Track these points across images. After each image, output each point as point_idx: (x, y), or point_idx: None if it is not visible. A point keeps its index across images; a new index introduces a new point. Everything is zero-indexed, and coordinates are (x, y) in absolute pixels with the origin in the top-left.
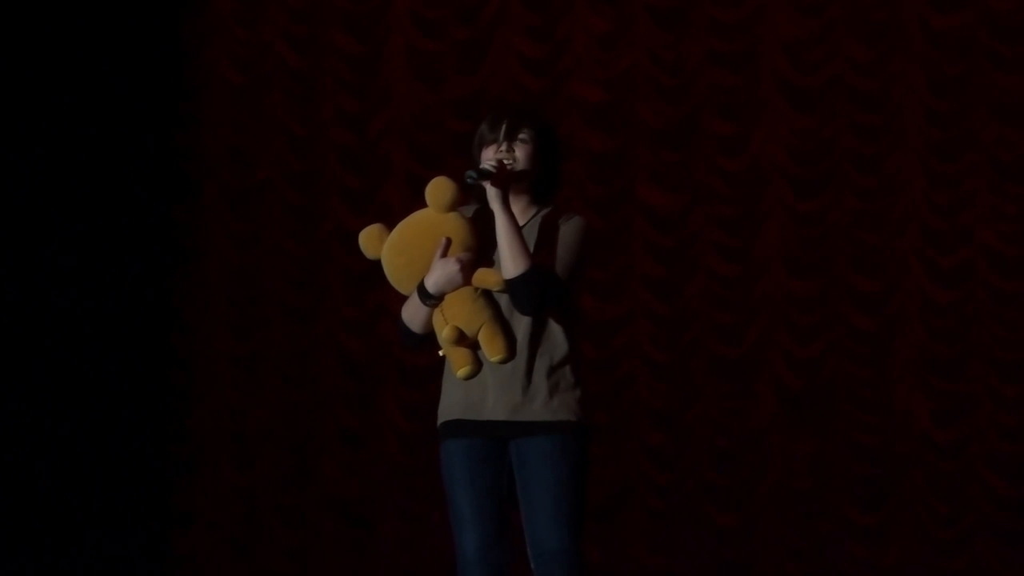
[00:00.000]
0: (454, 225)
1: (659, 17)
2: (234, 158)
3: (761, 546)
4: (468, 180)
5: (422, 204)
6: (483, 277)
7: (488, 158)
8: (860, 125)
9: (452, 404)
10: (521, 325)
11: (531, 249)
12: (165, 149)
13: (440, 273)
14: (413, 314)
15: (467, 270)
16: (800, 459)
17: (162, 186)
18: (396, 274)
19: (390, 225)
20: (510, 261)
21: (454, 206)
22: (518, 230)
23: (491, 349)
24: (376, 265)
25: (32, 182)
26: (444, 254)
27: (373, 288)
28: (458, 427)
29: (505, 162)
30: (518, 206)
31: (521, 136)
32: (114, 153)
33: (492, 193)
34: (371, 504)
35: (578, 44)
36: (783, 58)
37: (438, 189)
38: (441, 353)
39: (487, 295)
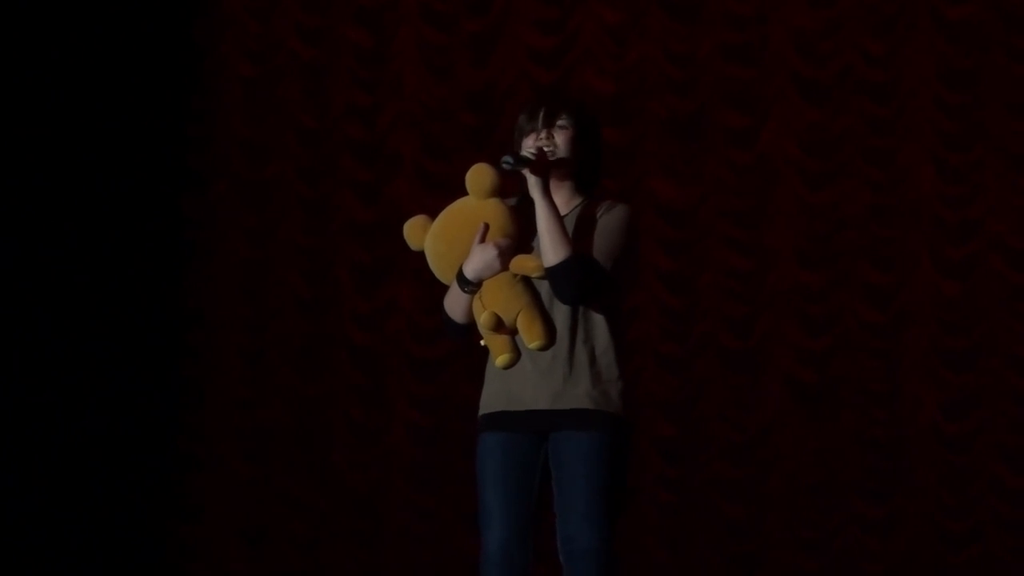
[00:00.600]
0: (493, 211)
1: (670, 9)
2: (245, 151)
3: (770, 539)
4: (505, 166)
5: (432, 197)
6: (522, 263)
7: (528, 147)
8: (871, 117)
9: (493, 395)
10: (561, 313)
11: (573, 237)
12: (177, 142)
13: (478, 259)
14: (454, 301)
15: (505, 256)
16: (809, 452)
17: (174, 179)
18: (438, 262)
19: (433, 215)
20: (550, 249)
21: (494, 192)
22: (558, 217)
23: (529, 335)
24: (386, 259)
25: (45, 176)
26: (482, 240)
27: (383, 282)
28: (497, 420)
29: (545, 149)
30: (561, 195)
31: (560, 122)
32: (126, 146)
33: (532, 181)
34: (381, 497)
35: (588, 36)
36: (794, 51)
37: (477, 175)
38: (482, 343)
39: (526, 281)
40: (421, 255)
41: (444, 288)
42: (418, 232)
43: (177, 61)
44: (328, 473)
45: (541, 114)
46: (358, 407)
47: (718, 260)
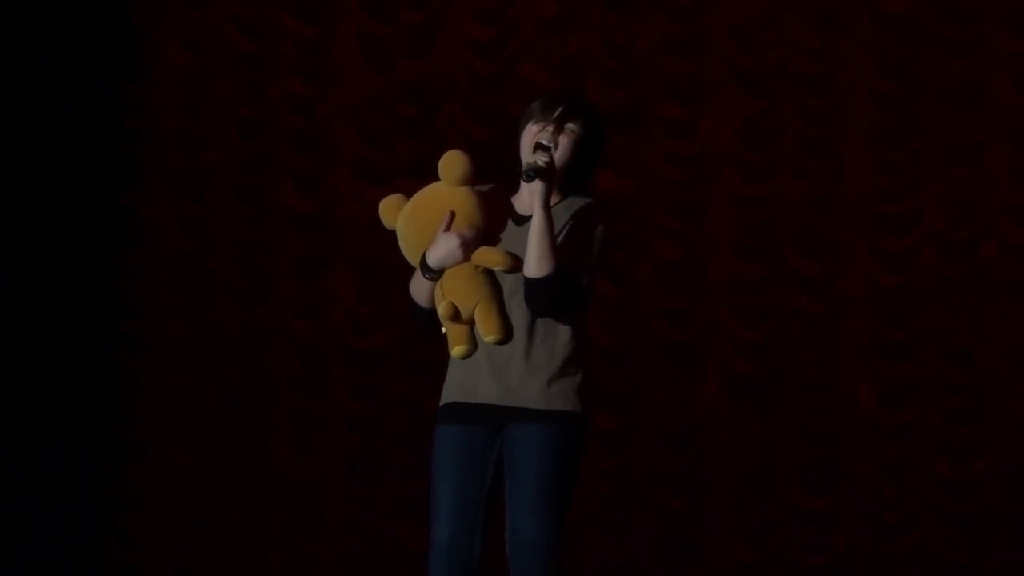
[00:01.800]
0: (462, 200)
1: (608, 1)
2: (182, 141)
3: (710, 529)
4: (526, 177)
5: (372, 187)
6: (484, 255)
7: (531, 134)
8: (809, 109)
9: (451, 386)
10: (522, 309)
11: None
12: (112, 132)
13: (441, 247)
14: (417, 286)
15: (468, 246)
16: (748, 442)
17: (109, 169)
18: (406, 244)
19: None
20: (535, 261)
21: (465, 181)
22: (552, 232)
23: (485, 328)
24: (325, 249)
25: None
26: (448, 228)
27: (322, 272)
28: (453, 411)
29: (542, 145)
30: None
31: (570, 125)
32: (61, 136)
33: (538, 189)
34: (320, 486)
35: (527, 28)
36: (733, 43)
37: (449, 162)
38: (443, 330)
39: (488, 274)
40: (364, 246)
41: (382, 279)
42: (393, 211)
43: (112, 49)
44: (267, 463)
45: (558, 111)
46: (297, 397)
47: (656, 251)
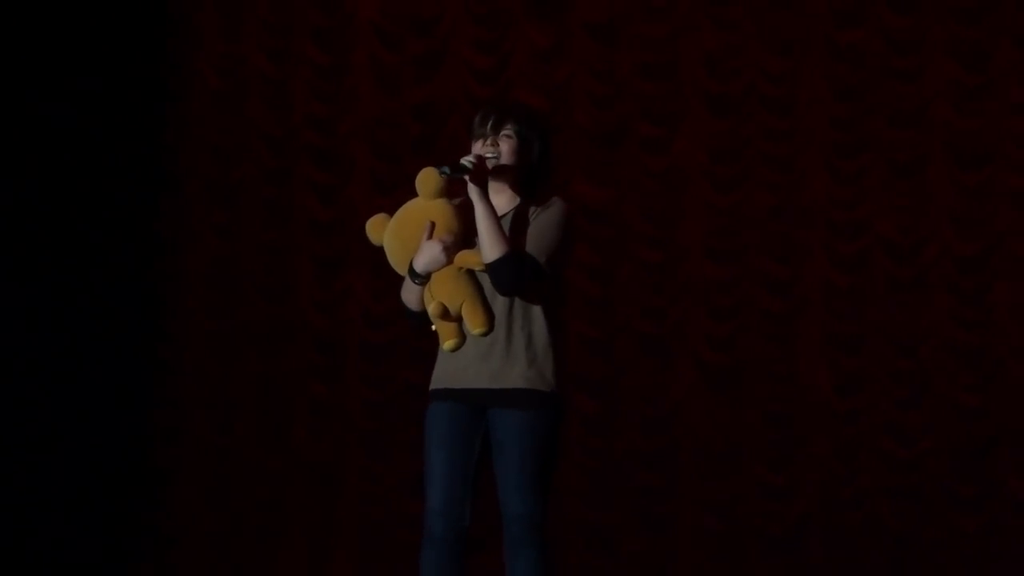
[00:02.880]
0: (439, 210)
1: (593, 33)
2: (215, 156)
3: (682, 502)
4: (442, 174)
5: (384, 198)
6: (465, 258)
7: (476, 150)
8: (771, 128)
9: (440, 374)
10: (501, 301)
11: (510, 235)
12: (153, 148)
13: (426, 254)
14: (408, 292)
15: (450, 251)
16: (717, 425)
17: (150, 181)
18: (393, 256)
19: (391, 213)
20: (488, 246)
21: (440, 194)
22: (495, 218)
23: (472, 322)
24: (342, 252)
25: (32, 178)
26: (429, 236)
27: (339, 273)
28: (444, 394)
29: (488, 155)
30: (503, 197)
31: (505, 131)
32: (108, 151)
33: (470, 187)
34: (337, 464)
35: (521, 57)
36: (703, 69)
37: (425, 178)
38: (433, 328)
39: (469, 274)
40: (376, 249)
41: (394, 279)
42: (378, 229)
43: (155, 75)
44: (289, 442)
45: (490, 122)
46: (317, 385)
47: (635, 254)
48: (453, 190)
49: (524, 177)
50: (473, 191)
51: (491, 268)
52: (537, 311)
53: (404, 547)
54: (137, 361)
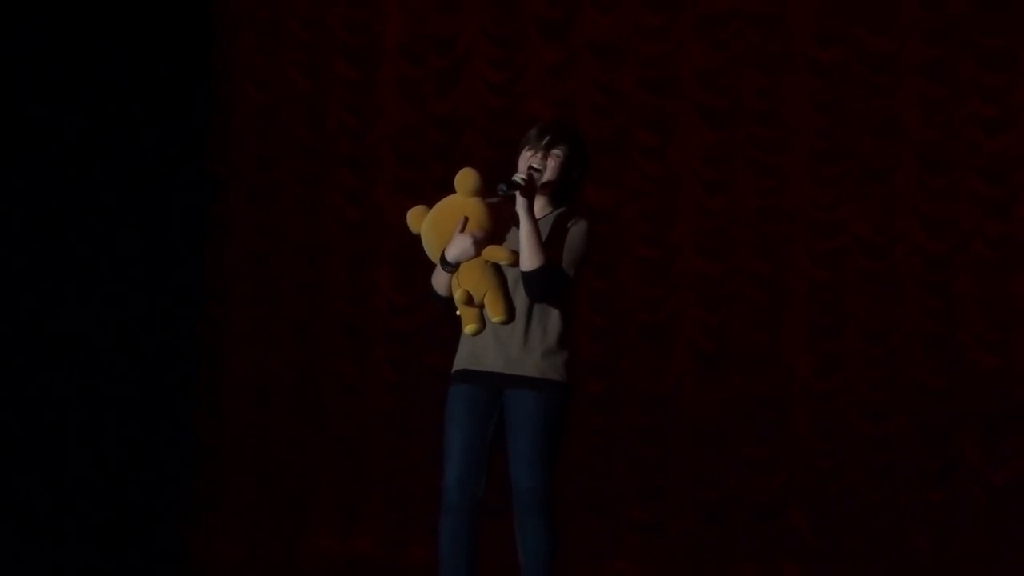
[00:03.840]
0: (474, 208)
1: (598, 51)
2: (256, 162)
3: (676, 473)
4: (500, 191)
5: (408, 199)
6: (493, 252)
7: (525, 158)
8: (758, 138)
9: (462, 356)
10: (522, 296)
11: (545, 241)
12: (201, 154)
13: (457, 246)
14: (438, 278)
15: (479, 245)
16: (708, 405)
17: (199, 184)
18: (428, 245)
19: (430, 205)
20: (527, 258)
21: (476, 192)
22: (538, 233)
23: (493, 311)
24: (370, 249)
25: (95, 181)
26: (462, 230)
27: (368, 268)
28: (464, 376)
29: (534, 168)
30: (539, 203)
31: (556, 151)
32: (160, 156)
33: (520, 202)
34: (364, 440)
35: (532, 72)
36: (696, 84)
37: (463, 177)
38: (457, 312)
39: (495, 267)
40: (400, 246)
41: (415, 274)
42: (417, 219)
43: (200, 89)
44: (322, 419)
45: (547, 139)
46: (347, 367)
47: (634, 251)
48: (488, 189)
49: (560, 191)
50: (521, 205)
51: (527, 276)
52: (554, 309)
53: (425, 516)
54: (187, 346)
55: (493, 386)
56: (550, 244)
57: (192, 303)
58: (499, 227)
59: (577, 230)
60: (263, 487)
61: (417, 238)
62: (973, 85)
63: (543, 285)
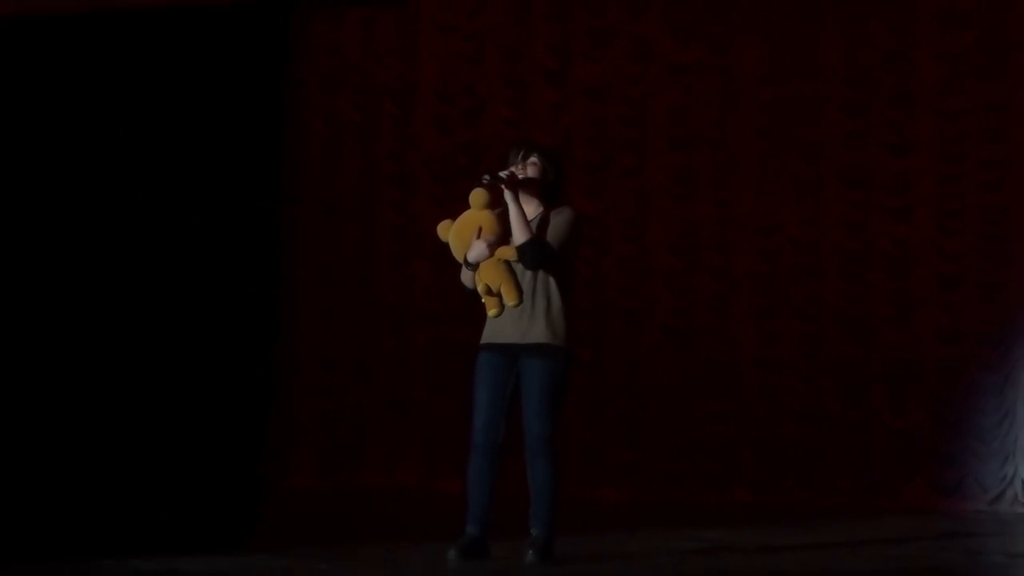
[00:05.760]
0: (486, 219)
1: (588, 94)
2: (320, 180)
3: (652, 425)
4: (484, 180)
5: (440, 210)
6: (502, 252)
7: (506, 170)
8: (714, 160)
9: (487, 332)
10: (527, 281)
11: (536, 232)
12: (277, 173)
13: (475, 249)
14: (464, 275)
15: (493, 247)
16: (675, 371)
17: (274, 197)
18: (454, 250)
19: (453, 220)
20: (517, 233)
21: (486, 206)
22: (522, 213)
23: (508, 297)
24: (411, 247)
25: (192, 195)
26: (478, 237)
27: (408, 262)
28: (488, 347)
29: (516, 172)
30: (531, 205)
31: (531, 160)
32: (244, 177)
33: (506, 193)
34: (409, 397)
35: (537, 111)
36: (664, 119)
37: (475, 196)
38: (482, 300)
39: (506, 263)
40: (434, 247)
41: (446, 269)
42: (444, 230)
43: (276, 122)
44: (372, 383)
45: (520, 153)
46: (393, 341)
47: (615, 249)
48: (495, 202)
49: (545, 191)
50: (507, 195)
51: (519, 249)
52: (553, 287)
53: (455, 455)
54: (267, 326)
55: (510, 354)
56: (541, 231)
57: (273, 292)
58: (506, 232)
59: (561, 217)
60: (328, 433)
61: (446, 243)
62: (881, 119)
63: (533, 254)
